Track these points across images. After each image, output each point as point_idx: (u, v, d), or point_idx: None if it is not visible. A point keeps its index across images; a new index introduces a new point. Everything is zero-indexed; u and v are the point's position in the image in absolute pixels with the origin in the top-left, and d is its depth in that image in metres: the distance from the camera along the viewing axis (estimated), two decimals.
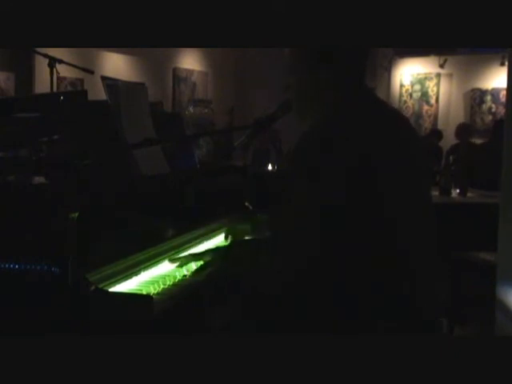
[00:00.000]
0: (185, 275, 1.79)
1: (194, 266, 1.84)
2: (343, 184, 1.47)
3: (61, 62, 3.87)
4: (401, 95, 9.89)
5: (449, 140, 8.00)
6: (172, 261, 1.80)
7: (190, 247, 2.05)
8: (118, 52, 7.51)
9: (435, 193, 4.66)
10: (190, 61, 8.86)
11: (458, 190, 4.86)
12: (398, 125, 1.69)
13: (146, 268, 1.78)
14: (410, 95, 9.84)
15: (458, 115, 9.44)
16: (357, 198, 1.47)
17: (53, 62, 3.79)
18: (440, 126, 9.33)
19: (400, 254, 1.53)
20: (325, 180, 1.48)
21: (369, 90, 1.69)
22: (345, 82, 1.63)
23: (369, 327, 1.50)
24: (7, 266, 1.56)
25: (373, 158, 1.50)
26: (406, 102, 9.86)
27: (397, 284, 1.52)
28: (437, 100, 9.66)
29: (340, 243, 1.48)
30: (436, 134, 8.31)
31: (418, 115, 9.75)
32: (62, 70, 4.01)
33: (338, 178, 1.47)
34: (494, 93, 9.25)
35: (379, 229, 1.49)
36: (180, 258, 1.81)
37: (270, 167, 5.87)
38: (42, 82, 4.69)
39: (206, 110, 8.30)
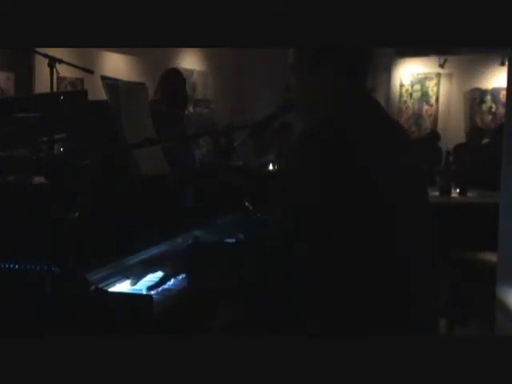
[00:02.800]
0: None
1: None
2: (341, 184, 1.47)
3: (61, 61, 3.86)
4: (401, 95, 9.88)
5: (449, 140, 7.99)
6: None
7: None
8: (118, 52, 7.50)
9: (435, 193, 4.66)
10: (190, 61, 8.85)
11: (458, 190, 4.86)
12: (395, 127, 1.70)
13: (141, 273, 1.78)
14: (410, 95, 9.84)
15: (458, 115, 9.44)
16: (355, 198, 1.47)
17: (53, 61, 3.78)
18: (440, 126, 9.34)
19: (399, 253, 1.53)
20: (323, 180, 1.48)
21: (368, 91, 1.69)
22: (345, 83, 1.63)
23: (368, 327, 1.50)
24: (7, 265, 1.56)
25: (371, 158, 1.50)
26: (405, 101, 9.86)
27: (396, 284, 1.52)
28: (437, 100, 9.66)
29: (338, 243, 1.47)
30: (434, 135, 8.31)
31: (418, 115, 9.75)
32: (62, 70, 4.00)
33: (336, 178, 1.47)
34: (494, 93, 9.24)
35: (377, 229, 1.49)
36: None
37: (270, 167, 5.86)
38: (42, 82, 4.68)
39: (206, 110, 8.31)
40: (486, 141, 6.91)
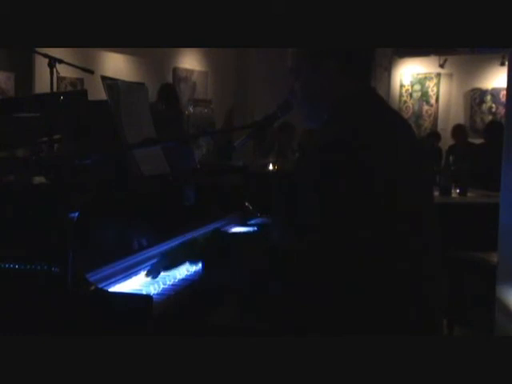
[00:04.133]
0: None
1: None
2: (343, 184, 1.47)
3: (61, 62, 3.86)
4: (401, 95, 9.88)
5: (449, 140, 8.01)
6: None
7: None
8: (117, 52, 7.50)
9: (435, 193, 4.65)
10: (190, 61, 8.85)
11: (458, 190, 4.86)
12: (400, 126, 1.69)
13: (145, 268, 1.78)
14: (410, 95, 9.84)
15: (458, 115, 9.44)
16: (357, 198, 1.47)
17: (53, 61, 3.78)
18: (440, 126, 9.34)
19: (400, 253, 1.53)
20: (325, 180, 1.48)
21: (372, 89, 1.68)
22: (347, 82, 1.63)
23: (368, 327, 1.50)
24: (7, 266, 1.56)
25: (373, 158, 1.50)
26: (405, 102, 9.86)
27: (397, 284, 1.52)
28: (437, 100, 9.66)
29: (343, 243, 1.47)
30: (435, 135, 8.32)
31: (418, 115, 9.74)
32: (62, 70, 4.00)
33: (339, 178, 1.47)
34: (494, 93, 9.25)
35: (379, 229, 1.49)
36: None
37: (270, 167, 5.87)
38: (42, 82, 4.68)
39: (206, 110, 8.30)
40: (480, 141, 6.94)
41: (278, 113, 1.92)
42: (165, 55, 8.10)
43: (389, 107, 1.72)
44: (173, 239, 1.99)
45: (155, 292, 1.63)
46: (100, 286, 1.54)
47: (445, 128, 9.06)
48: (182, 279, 1.78)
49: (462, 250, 3.90)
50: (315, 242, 1.48)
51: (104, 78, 2.06)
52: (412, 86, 9.82)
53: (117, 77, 2.47)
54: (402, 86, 9.88)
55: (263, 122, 1.93)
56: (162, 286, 1.67)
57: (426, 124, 9.65)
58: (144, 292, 1.62)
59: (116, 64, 7.60)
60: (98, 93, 2.16)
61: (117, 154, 1.96)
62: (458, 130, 7.66)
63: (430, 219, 1.64)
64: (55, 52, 3.84)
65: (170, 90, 5.34)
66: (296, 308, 1.54)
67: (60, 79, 5.46)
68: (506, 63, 4.34)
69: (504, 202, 2.93)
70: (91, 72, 4.04)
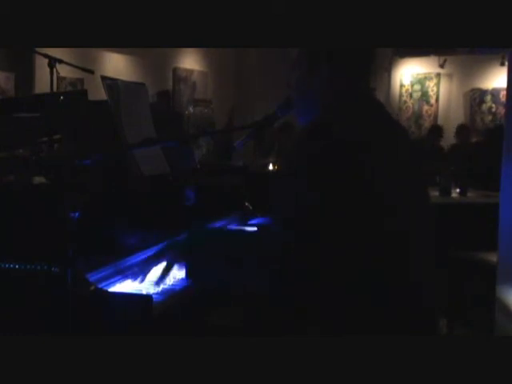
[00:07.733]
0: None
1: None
2: (341, 184, 1.47)
3: (61, 62, 3.86)
4: (401, 95, 9.88)
5: (449, 140, 7.99)
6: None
7: None
8: (118, 52, 7.50)
9: (435, 193, 4.65)
10: (189, 61, 8.85)
11: (458, 190, 4.86)
12: (394, 128, 1.69)
13: (146, 269, 1.78)
14: (410, 95, 9.83)
15: (458, 115, 9.43)
16: (355, 199, 1.47)
17: (53, 61, 3.78)
18: None
19: (400, 254, 1.53)
20: (322, 180, 1.48)
21: (369, 92, 1.68)
22: (345, 83, 1.63)
23: (368, 327, 1.50)
24: (7, 265, 1.56)
25: (370, 158, 1.50)
26: (405, 101, 9.85)
27: (397, 284, 1.52)
28: (437, 100, 9.66)
29: (343, 243, 1.47)
30: (436, 130, 8.15)
31: (418, 115, 9.74)
32: (62, 70, 4.00)
33: (336, 179, 1.47)
34: (494, 93, 9.24)
35: (377, 229, 1.49)
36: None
37: (270, 167, 5.87)
38: (42, 82, 4.68)
39: (206, 110, 8.31)
40: (479, 140, 6.95)
41: (278, 113, 1.92)
42: (165, 55, 8.10)
43: (383, 111, 1.72)
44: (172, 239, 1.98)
45: (155, 292, 1.63)
46: (100, 285, 1.54)
47: (445, 128, 9.06)
48: (182, 279, 1.78)
49: (462, 250, 3.90)
50: (315, 241, 1.48)
51: (104, 78, 2.07)
52: (412, 85, 9.82)
53: (117, 77, 2.47)
54: (401, 86, 9.87)
55: (263, 122, 1.93)
56: (161, 286, 1.67)
57: (426, 124, 9.64)
58: (144, 292, 1.62)
59: (116, 64, 7.59)
60: (98, 93, 2.16)
61: (117, 154, 1.96)
62: (463, 131, 7.61)
63: (421, 219, 1.65)
64: (55, 52, 3.84)
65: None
66: (296, 308, 1.54)
67: (60, 79, 5.45)
68: (506, 63, 4.34)
69: (504, 201, 2.93)
70: (91, 72, 4.04)
